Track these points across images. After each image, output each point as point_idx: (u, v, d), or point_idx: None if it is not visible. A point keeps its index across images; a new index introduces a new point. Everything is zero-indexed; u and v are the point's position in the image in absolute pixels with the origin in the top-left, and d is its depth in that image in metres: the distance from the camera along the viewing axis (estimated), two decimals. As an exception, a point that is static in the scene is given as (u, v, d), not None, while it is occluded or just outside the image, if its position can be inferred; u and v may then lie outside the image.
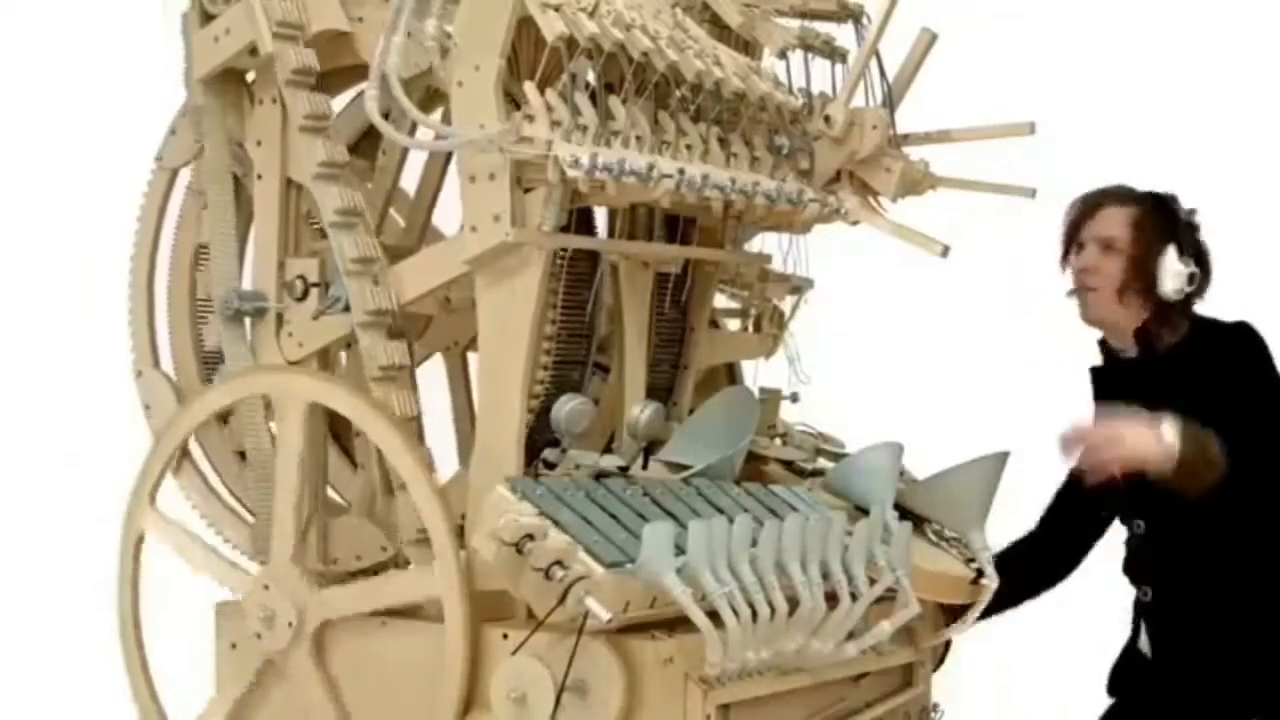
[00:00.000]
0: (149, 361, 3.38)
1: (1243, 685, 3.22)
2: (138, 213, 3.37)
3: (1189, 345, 3.29)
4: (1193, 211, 3.34)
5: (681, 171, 2.88)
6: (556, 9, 2.84)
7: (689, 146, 3.00)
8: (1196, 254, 3.31)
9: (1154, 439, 3.04)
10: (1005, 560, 3.28)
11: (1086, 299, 3.36)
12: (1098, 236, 3.33)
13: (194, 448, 3.30)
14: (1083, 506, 3.44)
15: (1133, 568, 3.41)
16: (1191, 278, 3.28)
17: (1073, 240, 3.38)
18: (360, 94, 3.18)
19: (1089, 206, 3.37)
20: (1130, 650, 3.42)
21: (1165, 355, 3.30)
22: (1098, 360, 3.46)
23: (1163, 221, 3.30)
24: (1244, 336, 3.27)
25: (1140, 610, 3.39)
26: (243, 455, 3.25)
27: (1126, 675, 3.42)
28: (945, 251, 3.21)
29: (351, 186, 3.05)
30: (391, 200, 3.46)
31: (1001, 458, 3.25)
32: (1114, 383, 3.38)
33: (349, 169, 3.07)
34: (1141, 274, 3.28)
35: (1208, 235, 3.35)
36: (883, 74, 3.41)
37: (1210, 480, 3.05)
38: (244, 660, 3.06)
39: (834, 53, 3.50)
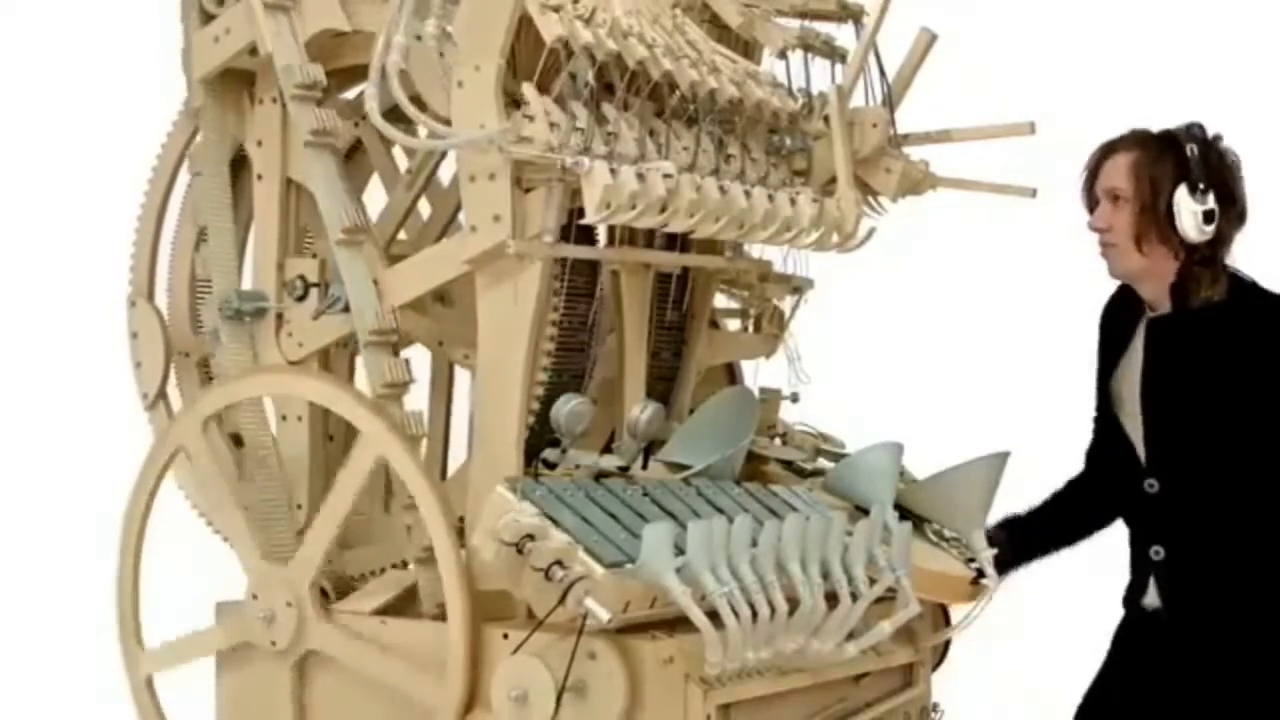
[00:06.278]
0: (144, 293, 3.38)
1: (1263, 640, 3.18)
2: (158, 150, 3.35)
3: (1228, 305, 3.19)
4: (1209, 143, 3.19)
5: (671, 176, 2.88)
6: (556, 10, 2.84)
7: (685, 149, 3.00)
8: (1218, 186, 3.16)
9: None
10: (1057, 501, 3.40)
11: (1108, 256, 3.26)
12: (1106, 189, 3.24)
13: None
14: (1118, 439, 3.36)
15: (1144, 526, 3.31)
16: (1209, 215, 3.13)
17: (1090, 196, 3.29)
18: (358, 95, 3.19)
19: (1097, 159, 3.27)
20: (1136, 609, 3.34)
21: (1201, 310, 3.19)
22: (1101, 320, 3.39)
23: (1167, 161, 3.16)
24: None
25: (1150, 569, 3.29)
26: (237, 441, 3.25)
27: (1133, 634, 3.35)
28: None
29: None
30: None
31: (1001, 458, 3.26)
32: (1136, 335, 3.30)
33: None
34: (1154, 220, 3.17)
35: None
36: (882, 73, 3.41)
37: None
38: (244, 660, 3.06)
39: (834, 53, 3.50)
